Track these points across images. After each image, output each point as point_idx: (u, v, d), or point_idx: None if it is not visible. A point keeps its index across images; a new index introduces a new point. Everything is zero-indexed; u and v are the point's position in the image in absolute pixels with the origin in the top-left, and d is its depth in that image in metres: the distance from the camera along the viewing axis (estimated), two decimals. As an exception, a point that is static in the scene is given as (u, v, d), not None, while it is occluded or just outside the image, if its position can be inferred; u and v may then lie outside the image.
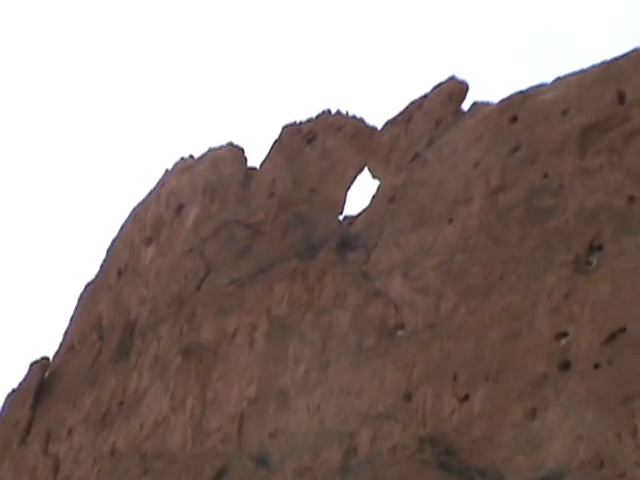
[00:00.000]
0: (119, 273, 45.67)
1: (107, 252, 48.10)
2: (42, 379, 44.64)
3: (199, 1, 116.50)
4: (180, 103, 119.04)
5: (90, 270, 47.84)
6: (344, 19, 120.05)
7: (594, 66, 33.58)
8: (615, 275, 27.57)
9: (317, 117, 42.84)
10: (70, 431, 40.68)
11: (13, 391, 45.34)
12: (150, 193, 47.73)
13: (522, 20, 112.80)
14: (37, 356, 46.08)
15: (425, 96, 39.25)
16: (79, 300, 47.64)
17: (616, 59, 33.03)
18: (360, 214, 38.31)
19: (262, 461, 32.39)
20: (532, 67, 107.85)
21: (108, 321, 43.81)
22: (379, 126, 40.57)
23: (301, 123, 43.24)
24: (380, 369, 31.25)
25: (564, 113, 32.69)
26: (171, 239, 43.77)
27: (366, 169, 40.62)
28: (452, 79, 39.03)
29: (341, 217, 40.30)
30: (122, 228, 48.30)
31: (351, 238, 36.48)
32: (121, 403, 39.31)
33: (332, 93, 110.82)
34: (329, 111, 42.60)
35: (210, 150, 46.32)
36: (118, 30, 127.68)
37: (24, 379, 45.36)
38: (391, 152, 38.67)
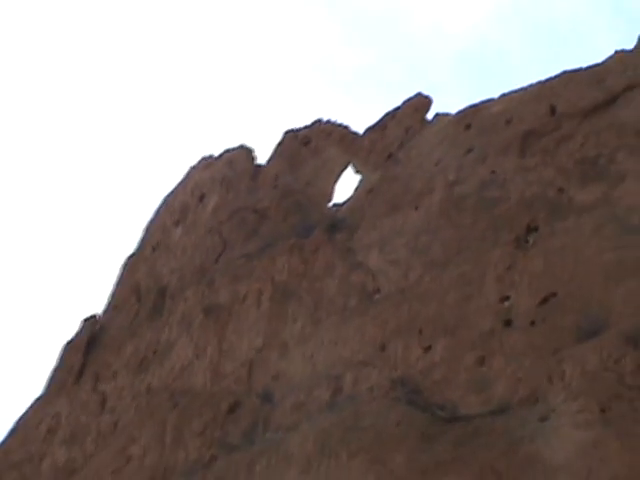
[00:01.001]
0: (153, 248, 45.53)
1: (144, 231, 47.94)
2: (92, 333, 44.54)
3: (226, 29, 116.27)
4: (203, 114, 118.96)
5: (130, 246, 47.79)
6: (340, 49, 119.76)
7: (531, 85, 33.47)
8: (547, 251, 27.48)
9: (311, 125, 42.59)
10: (114, 374, 40.60)
11: (68, 343, 45.23)
12: (178, 185, 47.57)
13: (470, 51, 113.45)
14: (88, 314, 46.09)
15: (397, 108, 39.04)
16: (121, 270, 47.50)
17: (549, 79, 32.93)
18: (345, 202, 38.14)
19: (267, 398, 32.31)
20: (480, 85, 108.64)
21: (145, 287, 43.69)
22: (361, 132, 40.40)
23: (298, 130, 43.00)
24: (361, 325, 31.14)
25: (508, 122, 32.56)
26: (195, 221, 43.65)
27: (350, 166, 40.45)
28: (419, 95, 38.76)
29: (330, 205, 40.15)
30: (156, 212, 48.14)
31: (338, 221, 36.33)
32: (155, 351, 39.23)
33: (324, 105, 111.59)
34: (320, 120, 42.41)
35: (226, 151, 46.12)
36: (158, 49, 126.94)
37: (77, 333, 45.25)
38: (370, 153, 38.50)
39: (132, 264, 46.70)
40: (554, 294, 26.46)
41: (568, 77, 32.13)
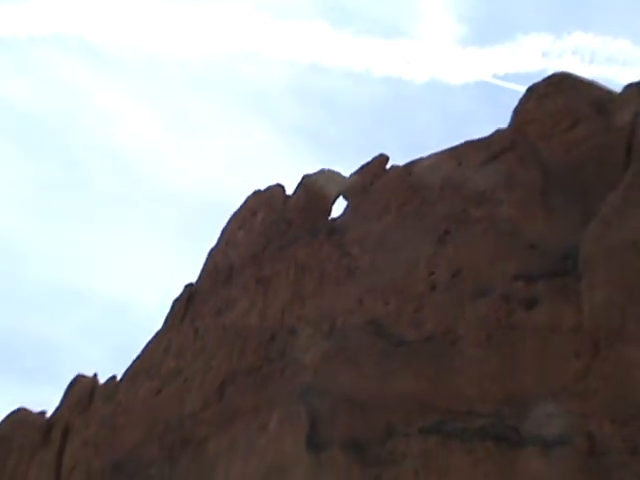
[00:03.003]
0: (226, 243, 45.53)
1: (220, 233, 47.54)
2: (190, 293, 44.47)
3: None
4: (255, 167, 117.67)
5: (212, 242, 47.72)
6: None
7: (447, 149, 32.97)
8: (456, 245, 27.71)
9: (319, 171, 42.53)
10: (203, 317, 40.57)
11: (176, 299, 45.21)
12: (241, 206, 47.49)
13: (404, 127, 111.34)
14: (188, 282, 46.06)
15: (367, 164, 38.97)
16: (207, 256, 47.25)
17: (457, 145, 32.55)
18: (338, 217, 38.18)
19: (292, 332, 32.41)
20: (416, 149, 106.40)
21: (221, 266, 43.59)
22: (348, 176, 40.28)
23: (311, 175, 42.96)
24: (347, 289, 31.28)
25: (433, 170, 32.45)
26: (250, 227, 43.65)
27: (341, 196, 40.46)
28: (381, 155, 38.75)
29: (330, 218, 40.17)
30: (228, 222, 47.58)
31: (335, 228, 36.34)
32: (227, 304, 39.25)
33: (331, 161, 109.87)
34: (324, 169, 42.30)
35: (268, 187, 46.04)
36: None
37: (182, 293, 45.06)
38: (353, 189, 38.57)
39: (214, 253, 46.66)
40: (460, 271, 26.70)
41: (468, 145, 32.23)
